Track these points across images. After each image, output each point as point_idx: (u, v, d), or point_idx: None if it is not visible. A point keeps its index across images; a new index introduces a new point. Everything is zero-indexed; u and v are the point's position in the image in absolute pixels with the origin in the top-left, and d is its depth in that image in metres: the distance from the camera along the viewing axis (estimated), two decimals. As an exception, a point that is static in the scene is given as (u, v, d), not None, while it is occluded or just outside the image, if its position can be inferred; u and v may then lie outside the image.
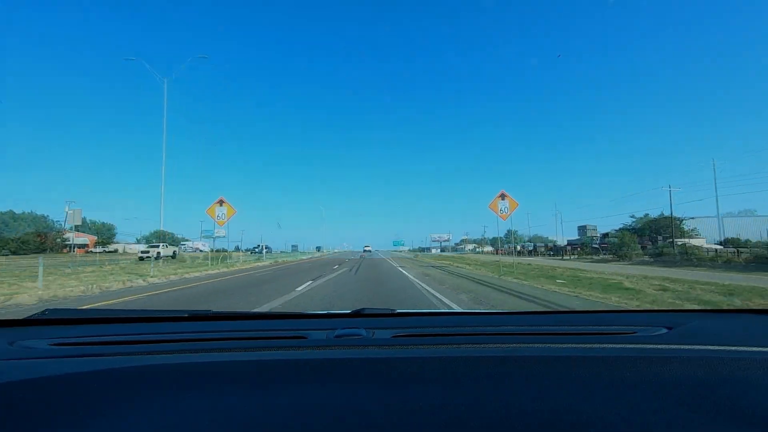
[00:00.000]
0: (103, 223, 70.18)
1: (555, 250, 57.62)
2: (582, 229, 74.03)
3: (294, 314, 1.65)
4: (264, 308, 7.02)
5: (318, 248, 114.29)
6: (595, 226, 69.31)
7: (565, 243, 71.32)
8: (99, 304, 7.95)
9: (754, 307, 1.48)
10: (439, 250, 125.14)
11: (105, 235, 67.32)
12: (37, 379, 0.80)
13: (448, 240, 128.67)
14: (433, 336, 1.21)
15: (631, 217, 48.95)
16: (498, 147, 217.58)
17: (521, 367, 0.88)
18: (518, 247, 64.50)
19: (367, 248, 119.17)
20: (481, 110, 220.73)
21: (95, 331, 1.30)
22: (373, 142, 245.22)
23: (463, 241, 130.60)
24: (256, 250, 56.25)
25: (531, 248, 69.08)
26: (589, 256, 42.20)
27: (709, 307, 2.20)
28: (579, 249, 51.57)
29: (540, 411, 0.71)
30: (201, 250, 49.64)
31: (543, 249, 64.92)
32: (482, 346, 1.05)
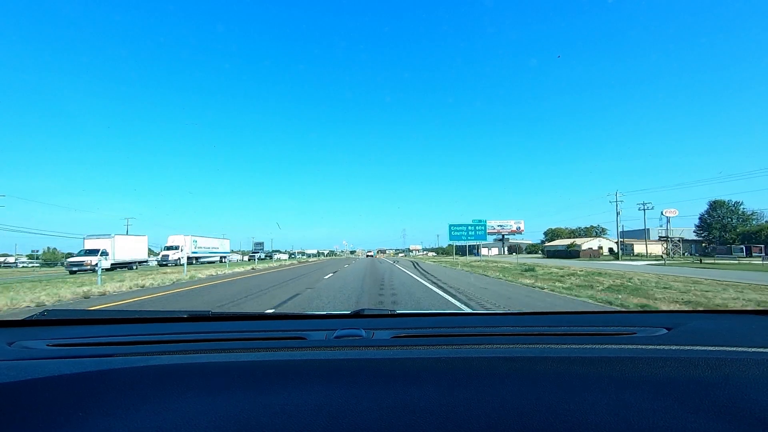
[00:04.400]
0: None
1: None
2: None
3: (294, 315, 1.67)
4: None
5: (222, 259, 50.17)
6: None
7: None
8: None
9: (754, 308, 1.48)
10: (497, 250, 77.12)
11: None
12: (35, 380, 0.80)
13: (519, 231, 79.55)
14: (433, 337, 1.22)
15: None
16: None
17: (521, 367, 0.87)
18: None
19: (369, 254, 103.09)
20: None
21: (94, 331, 1.33)
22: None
23: (549, 232, 74.79)
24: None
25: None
26: None
27: (709, 308, 2.20)
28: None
29: (539, 412, 0.71)
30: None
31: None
32: (482, 346, 1.05)
